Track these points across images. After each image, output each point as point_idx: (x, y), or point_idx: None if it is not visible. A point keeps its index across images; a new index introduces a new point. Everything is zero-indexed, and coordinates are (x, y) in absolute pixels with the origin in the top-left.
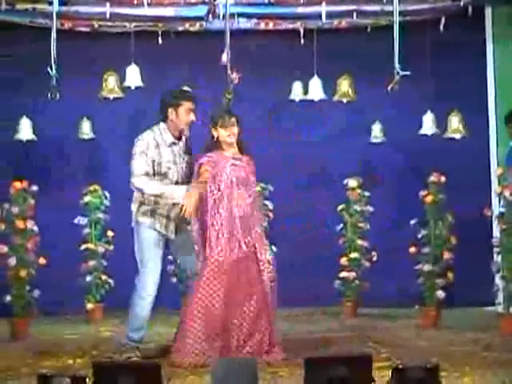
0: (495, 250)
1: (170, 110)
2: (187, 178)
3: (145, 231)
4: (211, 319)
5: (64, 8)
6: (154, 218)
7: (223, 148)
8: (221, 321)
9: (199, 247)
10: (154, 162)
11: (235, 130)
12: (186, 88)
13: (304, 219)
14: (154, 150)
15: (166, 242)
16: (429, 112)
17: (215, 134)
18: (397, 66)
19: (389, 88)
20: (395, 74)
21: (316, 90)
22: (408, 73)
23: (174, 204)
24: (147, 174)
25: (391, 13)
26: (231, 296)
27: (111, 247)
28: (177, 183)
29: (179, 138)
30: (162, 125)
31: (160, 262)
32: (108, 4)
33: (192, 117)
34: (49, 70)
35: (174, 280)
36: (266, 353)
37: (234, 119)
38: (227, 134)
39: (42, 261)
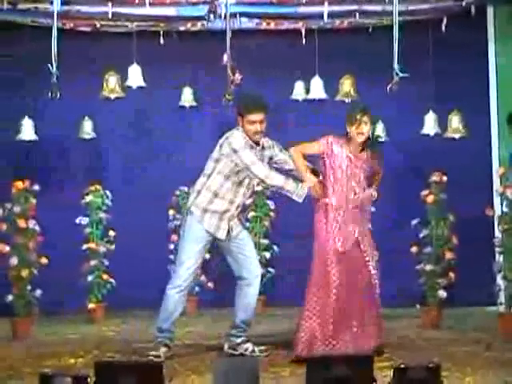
0: (497, 249)
1: (238, 117)
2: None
3: (192, 223)
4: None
5: (65, 7)
6: (205, 213)
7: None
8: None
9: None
10: None
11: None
12: (256, 96)
13: (306, 218)
14: (248, 147)
15: (214, 242)
16: (431, 112)
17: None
18: (396, 66)
19: (388, 88)
20: (394, 75)
21: (318, 89)
22: (407, 75)
23: (232, 203)
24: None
25: (393, 13)
26: (345, 286)
27: (113, 247)
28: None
29: (257, 143)
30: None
31: (199, 258)
32: (110, 4)
33: (257, 127)
34: (49, 67)
35: None
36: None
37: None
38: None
39: (43, 260)
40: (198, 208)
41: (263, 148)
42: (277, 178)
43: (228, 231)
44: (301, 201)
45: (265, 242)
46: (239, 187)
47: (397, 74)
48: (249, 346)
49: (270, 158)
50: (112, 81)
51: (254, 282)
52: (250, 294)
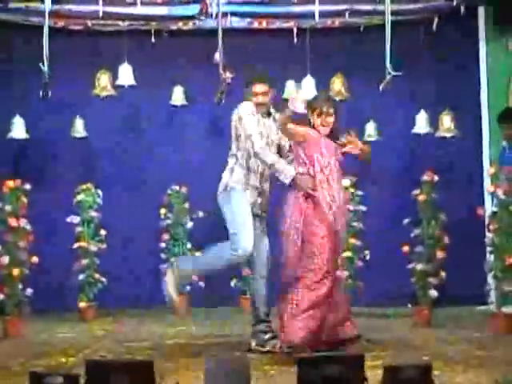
0: (488, 249)
1: (244, 92)
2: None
3: (238, 195)
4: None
5: (57, 6)
6: (246, 187)
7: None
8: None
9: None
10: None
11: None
12: (260, 69)
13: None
14: (255, 116)
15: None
16: (422, 111)
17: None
18: (388, 65)
19: (380, 88)
20: (386, 74)
21: (309, 88)
22: (399, 73)
23: (262, 177)
24: (261, 136)
25: (384, 12)
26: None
27: (104, 246)
28: None
29: (268, 114)
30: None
31: (253, 227)
32: (101, 2)
33: (260, 99)
34: (41, 66)
35: None
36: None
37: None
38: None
39: (34, 259)
40: (238, 183)
41: (274, 119)
42: (271, 156)
43: (261, 209)
44: (287, 182)
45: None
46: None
47: (389, 73)
48: (276, 342)
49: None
50: (103, 79)
51: (267, 275)
52: (265, 285)
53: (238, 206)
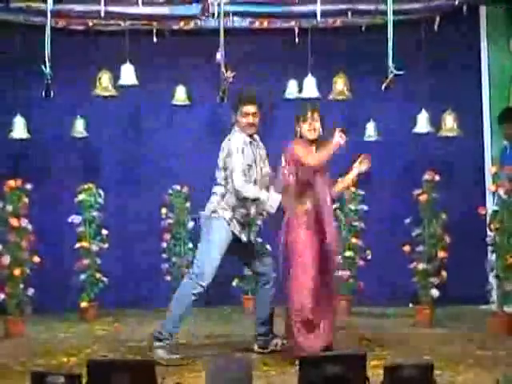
0: (489, 248)
1: (233, 113)
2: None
3: (220, 224)
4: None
5: (58, 6)
6: (232, 215)
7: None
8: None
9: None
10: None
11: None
12: (249, 89)
13: None
14: (246, 147)
15: (235, 243)
16: (423, 111)
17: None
18: (391, 65)
19: (383, 87)
20: (389, 74)
21: (311, 88)
22: (402, 72)
23: (252, 205)
24: (244, 174)
25: (386, 12)
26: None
27: (105, 246)
28: (255, 183)
29: (253, 139)
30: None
31: (221, 260)
32: (102, 2)
33: (250, 119)
34: (42, 67)
35: (168, 278)
36: None
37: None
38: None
39: (36, 259)
40: (225, 210)
41: (258, 146)
42: (251, 190)
43: (249, 235)
44: (273, 211)
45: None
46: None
47: (392, 72)
48: (278, 341)
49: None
50: (105, 79)
51: (273, 276)
52: (271, 290)
53: (216, 239)
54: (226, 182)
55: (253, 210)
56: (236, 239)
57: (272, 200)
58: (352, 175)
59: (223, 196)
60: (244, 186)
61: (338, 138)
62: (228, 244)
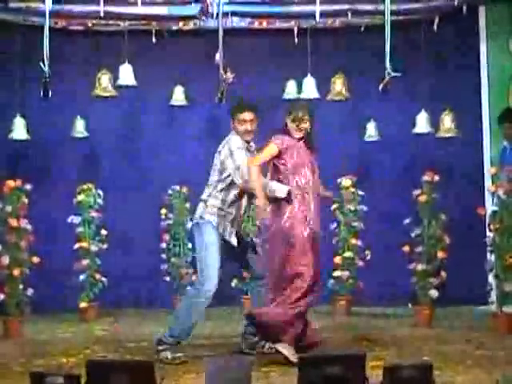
0: (488, 248)
1: (231, 120)
2: None
3: (208, 229)
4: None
5: (57, 7)
6: (218, 219)
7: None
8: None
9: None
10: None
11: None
12: (247, 99)
13: None
14: (244, 149)
15: (227, 246)
16: (423, 111)
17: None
18: (388, 66)
19: (380, 88)
20: (386, 75)
21: (310, 88)
22: (399, 74)
23: (239, 209)
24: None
25: (385, 12)
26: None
27: (105, 246)
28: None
29: (250, 145)
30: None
31: (220, 260)
32: (102, 3)
33: (248, 127)
34: (41, 66)
35: (167, 279)
36: None
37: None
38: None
39: (35, 259)
40: (211, 215)
41: (253, 153)
42: (255, 175)
43: (238, 237)
44: (283, 195)
45: (256, 241)
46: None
47: (388, 74)
48: (265, 343)
49: None
50: (104, 80)
51: (263, 282)
52: (262, 293)
53: (209, 242)
54: (218, 183)
55: (240, 211)
56: (227, 242)
57: (281, 189)
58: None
59: (207, 201)
60: (252, 179)
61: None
62: (221, 246)
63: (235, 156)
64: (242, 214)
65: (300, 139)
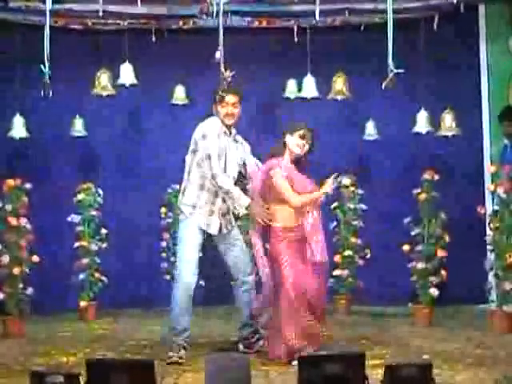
0: (488, 247)
1: (213, 104)
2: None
3: (185, 221)
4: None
5: (57, 6)
6: (195, 209)
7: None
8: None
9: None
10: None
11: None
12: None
13: None
14: (221, 135)
15: (209, 238)
16: (422, 110)
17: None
18: (390, 63)
19: (383, 86)
20: (389, 72)
21: (310, 87)
22: (402, 70)
23: (217, 196)
24: (219, 158)
25: (385, 10)
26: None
27: (104, 245)
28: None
29: (230, 131)
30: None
31: (197, 253)
32: (101, 1)
33: (229, 109)
34: (41, 66)
35: (167, 277)
36: None
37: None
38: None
39: (35, 259)
40: (187, 205)
41: (235, 140)
42: (226, 182)
43: (220, 227)
44: (242, 211)
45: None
46: None
47: (392, 71)
48: (262, 342)
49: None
50: (104, 79)
51: (246, 280)
52: (245, 292)
53: (184, 235)
54: (190, 167)
55: (220, 199)
56: (205, 232)
57: (243, 199)
58: (318, 194)
59: (184, 191)
60: (221, 175)
61: (329, 188)
62: (200, 238)
63: (208, 142)
64: (224, 202)
65: (293, 161)
